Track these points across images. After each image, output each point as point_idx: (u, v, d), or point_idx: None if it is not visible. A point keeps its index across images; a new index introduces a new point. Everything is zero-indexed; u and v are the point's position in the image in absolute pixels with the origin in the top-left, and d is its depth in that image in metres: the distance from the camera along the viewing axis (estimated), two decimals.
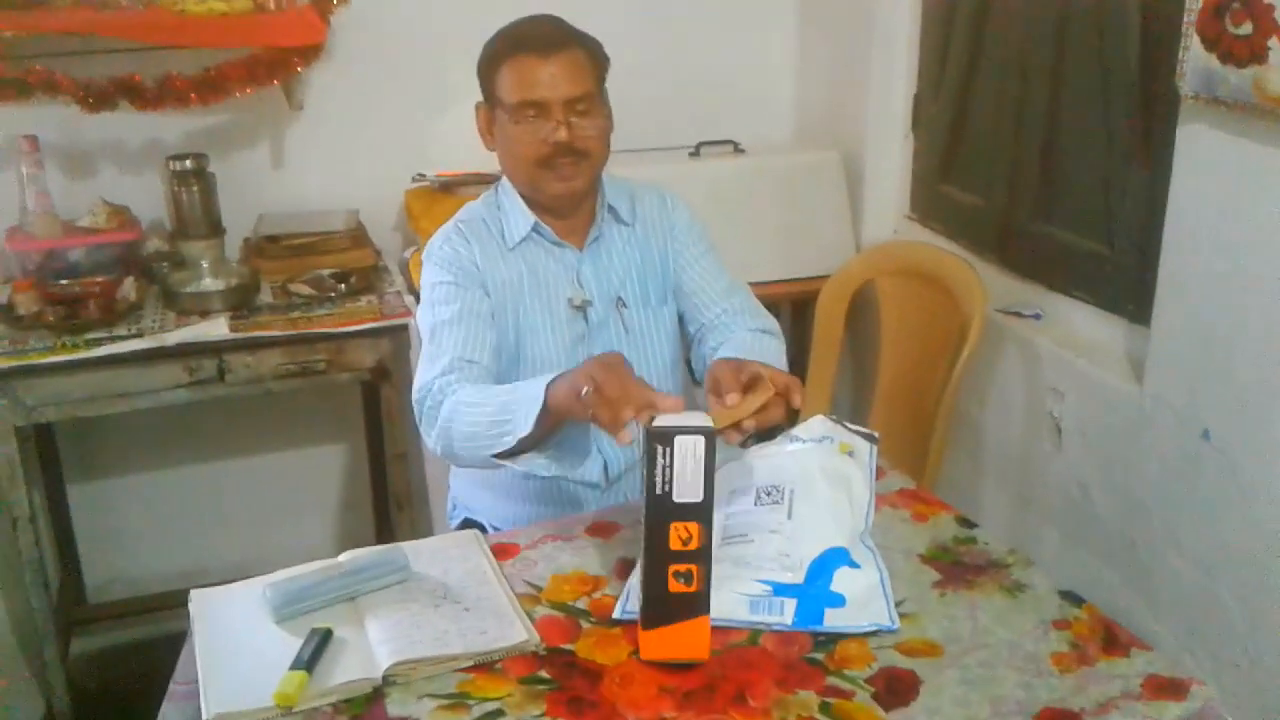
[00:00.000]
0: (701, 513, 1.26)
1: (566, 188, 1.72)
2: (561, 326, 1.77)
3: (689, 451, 1.24)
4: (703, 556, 1.27)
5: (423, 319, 1.74)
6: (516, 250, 1.76)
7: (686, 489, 1.25)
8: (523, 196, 1.76)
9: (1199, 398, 1.83)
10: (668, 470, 1.24)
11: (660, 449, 1.23)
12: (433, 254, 1.77)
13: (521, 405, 1.45)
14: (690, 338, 1.87)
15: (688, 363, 1.91)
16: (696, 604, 1.28)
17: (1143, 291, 1.99)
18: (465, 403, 1.55)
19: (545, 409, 1.41)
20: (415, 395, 1.65)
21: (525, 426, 1.43)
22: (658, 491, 1.24)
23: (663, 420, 1.26)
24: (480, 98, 1.76)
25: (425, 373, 1.66)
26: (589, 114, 1.69)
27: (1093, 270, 2.19)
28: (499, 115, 1.71)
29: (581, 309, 1.77)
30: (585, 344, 1.78)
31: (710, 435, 1.25)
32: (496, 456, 1.50)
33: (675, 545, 1.25)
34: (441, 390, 1.60)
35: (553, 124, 1.66)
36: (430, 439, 1.62)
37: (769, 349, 1.77)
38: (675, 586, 1.26)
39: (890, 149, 2.76)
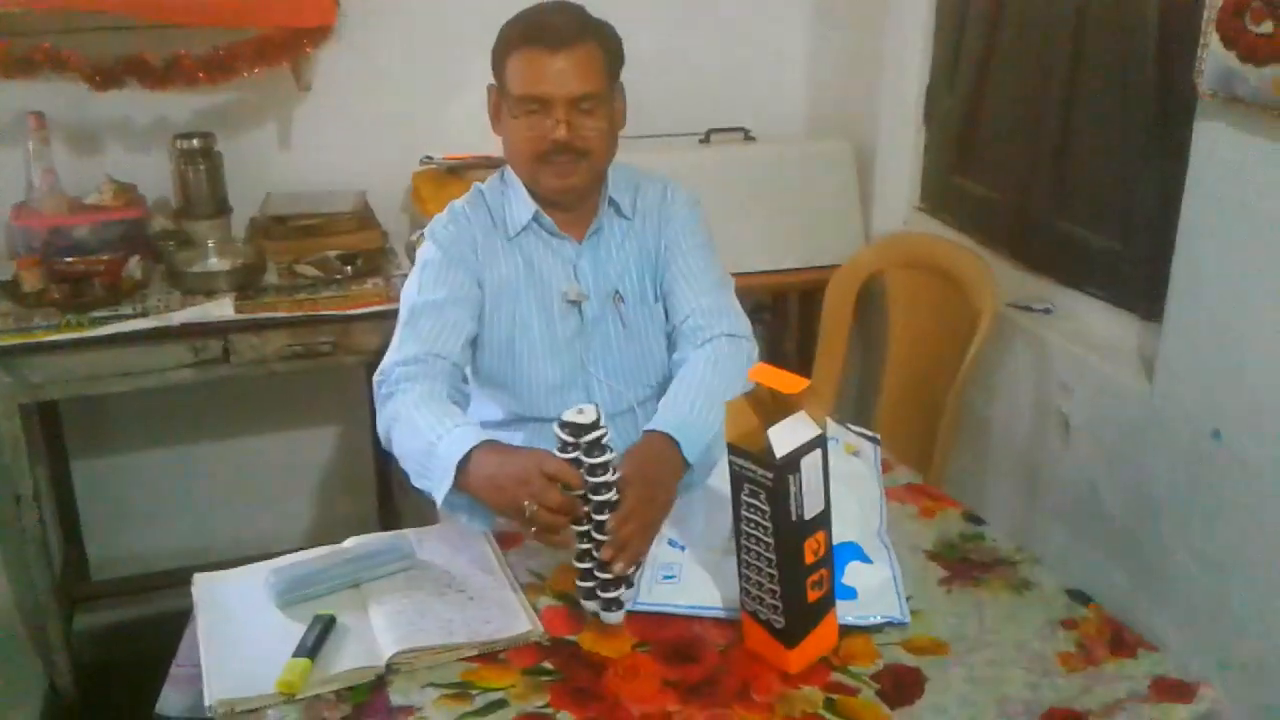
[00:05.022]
0: (825, 519, 1.24)
1: (563, 184, 1.70)
2: (555, 322, 1.75)
3: (813, 467, 1.21)
4: (829, 556, 1.26)
5: (406, 293, 1.72)
6: (515, 241, 1.75)
7: (812, 502, 1.22)
8: (524, 186, 1.75)
9: (1210, 397, 1.82)
10: (799, 495, 1.20)
11: (790, 478, 1.19)
12: (435, 232, 1.75)
13: (436, 471, 1.43)
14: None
15: None
16: (829, 601, 1.28)
17: (1155, 288, 1.97)
18: (405, 420, 1.52)
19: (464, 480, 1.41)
20: (376, 375, 1.63)
21: (439, 495, 1.42)
22: (792, 519, 1.21)
23: (774, 436, 1.18)
24: (492, 79, 1.73)
25: (392, 354, 1.64)
26: (593, 113, 1.66)
27: (1105, 266, 2.17)
28: (505, 103, 1.69)
29: (576, 304, 1.75)
30: (582, 339, 1.76)
31: (824, 441, 1.22)
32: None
33: (810, 559, 1.23)
34: (397, 382, 1.59)
35: (553, 121, 1.63)
36: (379, 425, 1.60)
37: (723, 371, 1.64)
38: (813, 595, 1.25)
39: (902, 140, 2.74)
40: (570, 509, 1.32)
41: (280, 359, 2.31)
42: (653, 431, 1.50)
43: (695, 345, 1.70)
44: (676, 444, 1.47)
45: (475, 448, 1.41)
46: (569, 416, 1.31)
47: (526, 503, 1.31)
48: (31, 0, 2.24)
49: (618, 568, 1.31)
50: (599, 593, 1.33)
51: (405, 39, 2.67)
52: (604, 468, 1.31)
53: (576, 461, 1.31)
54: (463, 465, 1.40)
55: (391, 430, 1.55)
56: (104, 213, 2.44)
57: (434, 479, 1.43)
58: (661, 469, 1.44)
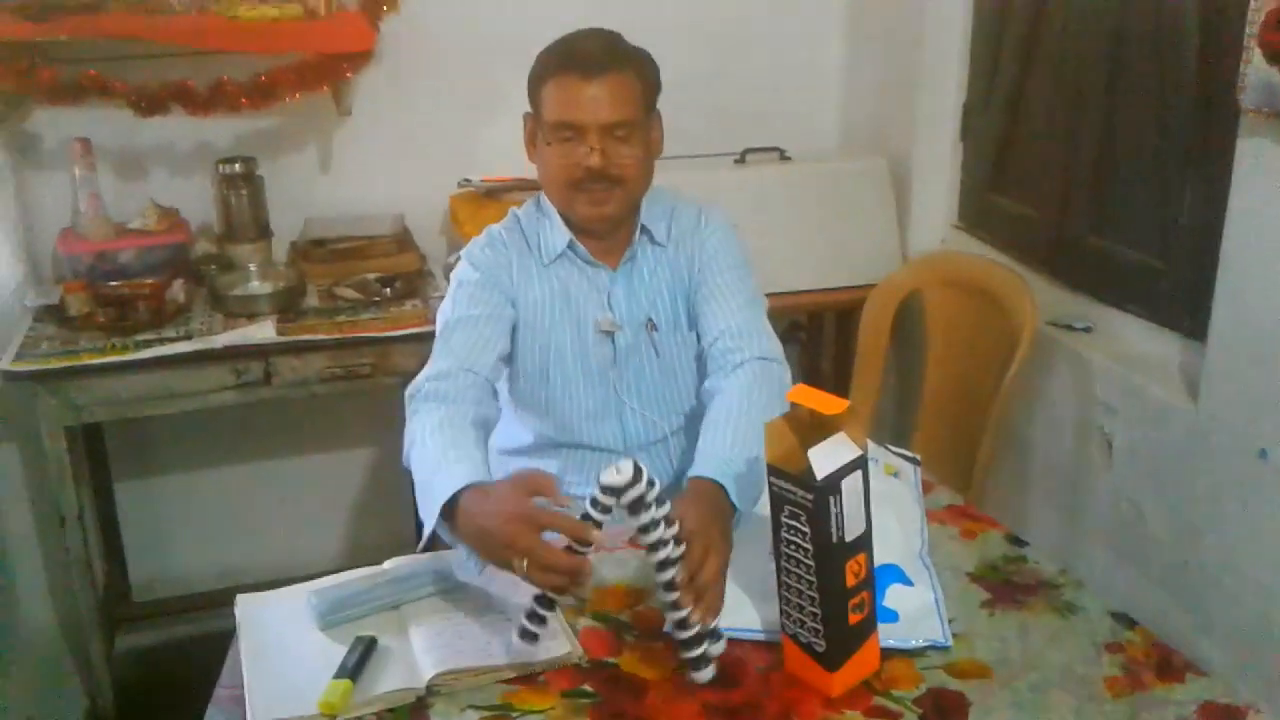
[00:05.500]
0: (867, 540, 1.23)
1: (596, 212, 1.69)
2: (588, 351, 1.75)
3: (853, 489, 1.20)
4: (870, 579, 1.24)
5: (442, 311, 1.73)
6: (550, 268, 1.75)
7: (853, 524, 1.20)
8: (559, 213, 1.75)
9: (1256, 416, 1.79)
10: (840, 517, 1.19)
11: (831, 500, 1.17)
12: (472, 254, 1.76)
13: (429, 506, 1.38)
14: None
15: None
16: (871, 624, 1.27)
17: (1198, 306, 1.95)
18: (420, 443, 1.50)
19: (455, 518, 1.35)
20: (409, 388, 1.63)
21: (426, 529, 1.39)
22: (833, 540, 1.19)
23: (814, 457, 1.16)
24: (528, 105, 1.75)
25: (427, 368, 1.65)
26: (628, 140, 1.65)
27: (1146, 283, 2.15)
28: (540, 130, 1.69)
29: (609, 334, 1.75)
30: (615, 368, 1.76)
31: (865, 463, 1.20)
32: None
33: (851, 582, 1.22)
34: (424, 399, 1.59)
35: (587, 148, 1.63)
36: (405, 442, 1.57)
37: (758, 403, 1.58)
38: (854, 618, 1.23)
39: (939, 157, 2.73)
40: (572, 568, 1.23)
41: (321, 381, 2.34)
42: (698, 478, 1.45)
43: (726, 371, 1.66)
44: (724, 489, 1.43)
45: (463, 491, 1.34)
46: (606, 479, 1.22)
47: (515, 562, 1.24)
48: (77, 29, 2.29)
49: (695, 617, 1.24)
50: (681, 654, 1.27)
51: (443, 64, 2.70)
52: (654, 525, 1.24)
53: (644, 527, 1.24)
54: (454, 506, 1.35)
55: (410, 452, 1.53)
56: (148, 237, 2.49)
57: (426, 514, 1.40)
58: (717, 517, 1.38)
